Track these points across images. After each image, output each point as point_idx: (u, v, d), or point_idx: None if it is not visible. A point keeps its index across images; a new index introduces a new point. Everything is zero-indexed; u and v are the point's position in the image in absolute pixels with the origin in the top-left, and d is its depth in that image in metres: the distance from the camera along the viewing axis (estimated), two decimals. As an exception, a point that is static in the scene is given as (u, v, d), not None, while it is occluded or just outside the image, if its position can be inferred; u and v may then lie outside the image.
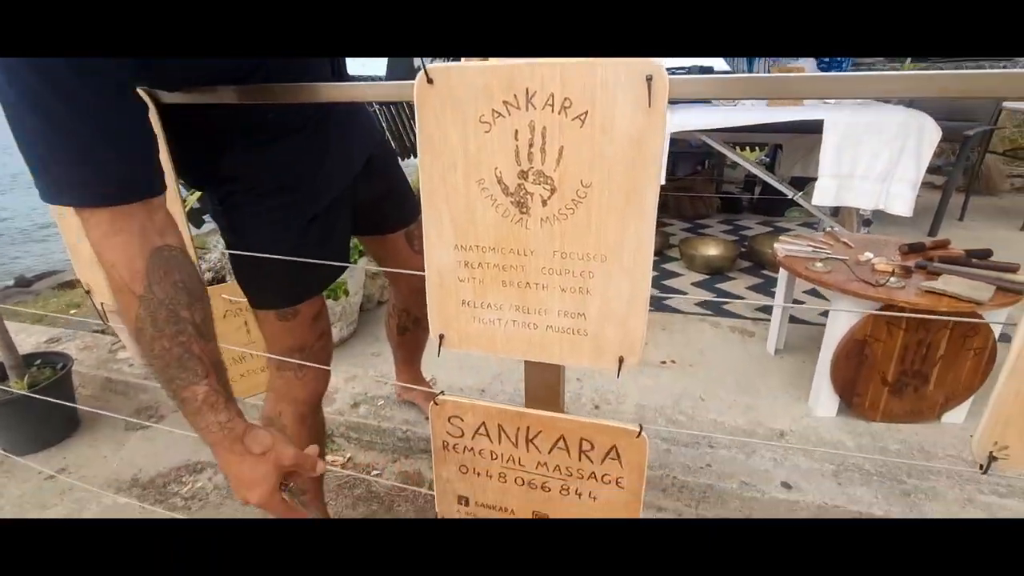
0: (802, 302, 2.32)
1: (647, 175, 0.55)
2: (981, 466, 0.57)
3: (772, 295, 2.33)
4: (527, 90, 0.55)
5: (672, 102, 0.58)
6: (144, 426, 1.81)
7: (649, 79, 0.51)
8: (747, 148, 4.14)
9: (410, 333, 1.47)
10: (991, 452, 0.57)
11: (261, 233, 0.89)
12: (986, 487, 1.32)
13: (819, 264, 1.55)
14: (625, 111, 0.53)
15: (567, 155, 0.57)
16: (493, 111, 0.57)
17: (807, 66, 2.62)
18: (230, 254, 0.92)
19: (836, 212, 2.63)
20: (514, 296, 0.66)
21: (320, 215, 0.94)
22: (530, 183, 0.59)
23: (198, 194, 1.84)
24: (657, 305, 2.41)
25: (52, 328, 2.39)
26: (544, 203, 0.60)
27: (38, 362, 1.76)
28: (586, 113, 0.54)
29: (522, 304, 0.66)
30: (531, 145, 0.58)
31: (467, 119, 0.58)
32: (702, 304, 2.41)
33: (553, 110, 0.55)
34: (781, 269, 1.76)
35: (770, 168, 3.71)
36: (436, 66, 0.57)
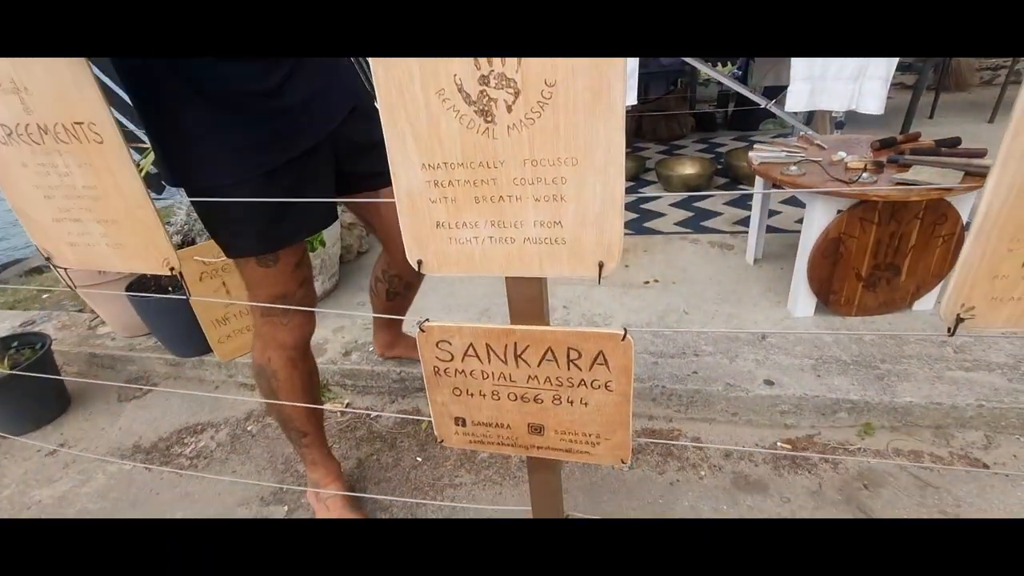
0: (778, 212, 2.34)
1: (613, 67, 0.53)
2: (949, 329, 0.60)
3: (749, 208, 2.35)
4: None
5: None
6: (137, 395, 1.81)
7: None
8: (719, 64, 4.03)
9: (400, 298, 1.41)
10: (958, 314, 0.59)
11: (220, 175, 0.86)
12: (953, 364, 1.40)
13: (793, 168, 1.55)
14: (584, -5, 0.50)
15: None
16: (445, 10, 0.53)
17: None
18: (193, 204, 0.89)
19: (810, 120, 2.61)
20: (488, 212, 0.64)
21: (294, 161, 0.90)
22: (492, 88, 0.57)
23: (152, 157, 1.75)
24: (637, 228, 2.42)
25: (26, 312, 2.33)
26: (509, 109, 0.58)
27: (15, 344, 1.72)
28: (543, 2, 0.51)
29: (497, 219, 0.65)
30: (489, 45, 0.55)
31: (418, 22, 0.54)
32: (681, 223, 2.42)
33: (508, 2, 0.52)
34: (757, 177, 1.76)
35: (743, 80, 3.63)
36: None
